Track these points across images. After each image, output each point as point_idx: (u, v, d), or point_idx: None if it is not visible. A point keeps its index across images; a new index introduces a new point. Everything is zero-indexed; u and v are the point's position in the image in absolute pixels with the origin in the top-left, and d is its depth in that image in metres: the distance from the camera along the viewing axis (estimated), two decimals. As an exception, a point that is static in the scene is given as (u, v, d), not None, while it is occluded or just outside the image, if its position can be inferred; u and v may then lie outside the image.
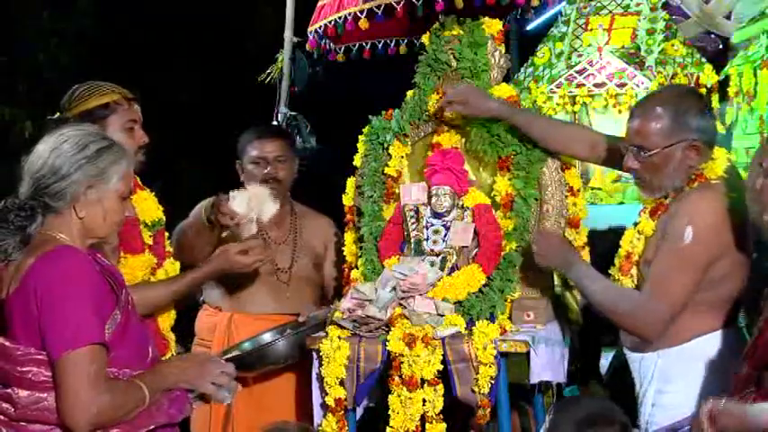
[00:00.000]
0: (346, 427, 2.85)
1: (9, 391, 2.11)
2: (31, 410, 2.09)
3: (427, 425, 2.76)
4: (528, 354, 2.77)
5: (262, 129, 3.62)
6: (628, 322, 2.58)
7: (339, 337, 2.83)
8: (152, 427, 2.20)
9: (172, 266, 3.04)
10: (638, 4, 6.74)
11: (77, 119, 2.79)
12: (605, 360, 4.95)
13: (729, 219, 2.50)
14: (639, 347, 2.63)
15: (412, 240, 3.04)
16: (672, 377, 2.55)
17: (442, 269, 2.94)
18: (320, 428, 2.87)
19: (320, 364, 2.85)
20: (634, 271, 2.66)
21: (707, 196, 2.53)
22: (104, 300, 2.17)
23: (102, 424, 2.10)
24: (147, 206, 3.01)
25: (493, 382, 2.71)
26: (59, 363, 2.06)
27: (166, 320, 3.04)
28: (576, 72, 6.42)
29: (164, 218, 3.05)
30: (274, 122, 5.50)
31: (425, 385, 2.74)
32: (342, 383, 2.82)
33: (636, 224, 2.70)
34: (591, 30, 6.72)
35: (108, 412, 2.09)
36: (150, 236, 2.97)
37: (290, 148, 3.59)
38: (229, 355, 3.15)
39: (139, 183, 3.04)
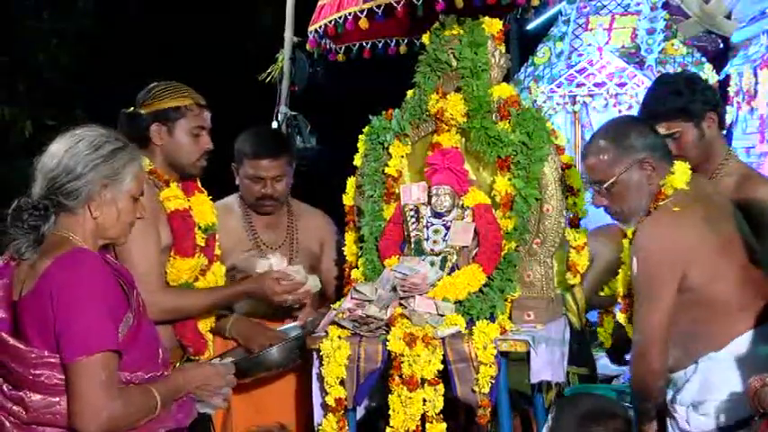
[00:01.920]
0: (346, 427, 2.85)
1: (21, 394, 2.10)
2: (43, 414, 2.09)
3: (427, 425, 2.76)
4: (527, 357, 2.77)
5: (260, 142, 3.47)
6: (637, 376, 2.58)
7: (339, 337, 2.83)
8: (161, 431, 2.20)
9: (219, 269, 3.08)
10: (638, 4, 6.75)
11: (150, 116, 2.90)
12: (607, 360, 4.94)
13: (686, 230, 2.55)
14: (678, 365, 2.63)
15: (412, 240, 3.04)
16: (715, 382, 2.53)
17: (442, 269, 2.94)
18: (320, 428, 2.87)
19: (320, 364, 2.85)
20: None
21: (650, 222, 2.60)
22: (118, 303, 2.17)
23: (112, 430, 2.10)
24: (204, 210, 3.05)
25: (493, 381, 2.71)
26: (72, 368, 2.06)
27: (207, 322, 3.08)
28: (577, 71, 6.43)
29: (216, 222, 3.09)
30: (274, 123, 5.50)
31: (425, 385, 2.74)
32: (342, 383, 2.82)
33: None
34: (591, 29, 6.73)
35: (119, 419, 2.10)
36: (203, 238, 3.02)
37: (288, 164, 3.49)
38: (224, 361, 3.14)
39: (199, 185, 3.10)
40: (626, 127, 2.72)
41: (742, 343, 2.53)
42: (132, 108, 2.95)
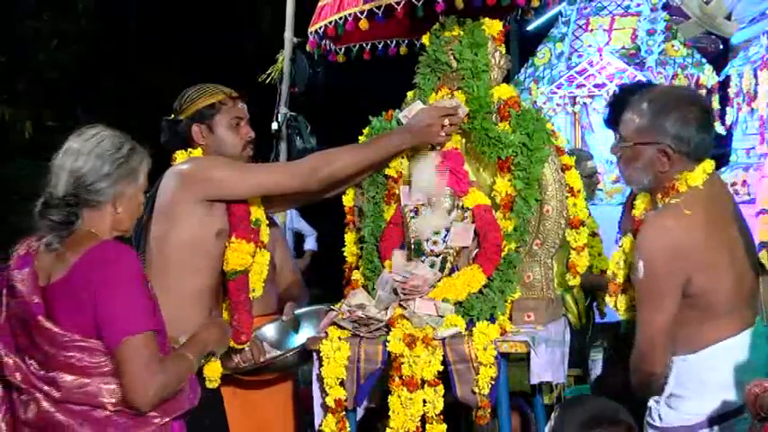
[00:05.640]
0: (347, 428, 2.85)
1: (53, 374, 2.23)
2: (75, 394, 2.23)
3: (427, 425, 2.76)
4: (527, 358, 2.77)
5: None
6: (637, 375, 2.57)
7: (339, 338, 2.83)
8: (179, 413, 2.36)
9: (263, 256, 3.09)
10: (638, 5, 6.76)
11: (189, 119, 3.02)
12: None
13: (694, 235, 2.49)
14: None
15: (412, 241, 3.04)
16: (687, 383, 2.54)
17: (442, 270, 2.94)
18: (320, 429, 2.87)
19: (320, 365, 2.85)
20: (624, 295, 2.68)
21: (659, 222, 2.53)
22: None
23: (162, 399, 2.30)
24: (253, 201, 3.08)
25: (493, 382, 2.71)
26: (119, 349, 2.23)
27: None
28: (577, 73, 6.43)
29: (263, 217, 3.12)
30: (274, 124, 5.50)
31: (425, 386, 2.74)
32: (342, 384, 2.82)
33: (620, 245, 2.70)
34: (591, 30, 6.74)
35: (165, 389, 2.30)
36: (252, 229, 3.06)
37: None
38: (246, 365, 3.15)
39: None
40: (674, 106, 2.57)
41: (722, 348, 2.52)
42: (173, 116, 3.07)
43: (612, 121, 3.36)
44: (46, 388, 2.23)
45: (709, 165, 2.58)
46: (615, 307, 2.69)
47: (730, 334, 2.53)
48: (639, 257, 2.52)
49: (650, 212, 2.61)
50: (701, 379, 2.52)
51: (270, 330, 3.37)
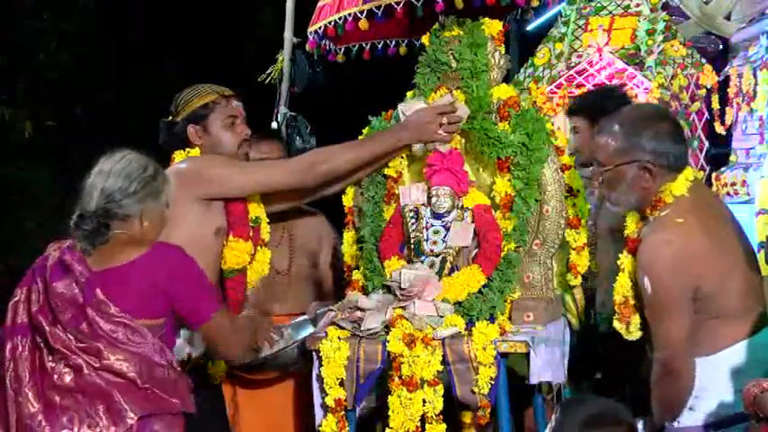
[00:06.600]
0: (346, 428, 2.85)
1: (98, 344, 2.48)
2: (113, 366, 2.47)
3: (427, 425, 2.76)
4: (527, 357, 2.77)
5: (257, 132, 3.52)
6: (666, 395, 2.58)
7: (339, 338, 2.84)
8: (188, 410, 2.59)
9: (263, 255, 3.13)
10: (637, 5, 6.74)
11: (185, 120, 3.10)
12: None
13: (694, 244, 2.52)
14: None
15: (412, 241, 3.04)
16: (707, 384, 2.55)
17: (441, 270, 2.94)
18: (320, 429, 2.87)
19: (320, 365, 2.85)
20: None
21: (655, 237, 2.56)
22: None
23: (245, 349, 2.82)
24: (251, 199, 3.11)
25: (493, 382, 2.71)
26: (209, 323, 2.63)
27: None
28: (576, 73, 6.41)
29: (262, 216, 3.15)
30: (274, 123, 5.49)
31: (425, 386, 2.75)
32: (342, 384, 2.82)
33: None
34: (591, 30, 6.72)
35: (246, 340, 2.80)
36: (251, 227, 3.10)
37: (284, 149, 3.61)
38: (252, 361, 3.15)
39: None
40: (645, 123, 2.63)
41: (736, 350, 2.54)
42: (170, 117, 3.11)
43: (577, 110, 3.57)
44: (86, 357, 2.47)
45: (689, 172, 2.63)
46: (626, 332, 2.67)
47: (747, 334, 2.56)
48: (644, 275, 2.55)
49: (644, 229, 2.62)
50: (719, 379, 2.53)
51: (278, 331, 3.36)
